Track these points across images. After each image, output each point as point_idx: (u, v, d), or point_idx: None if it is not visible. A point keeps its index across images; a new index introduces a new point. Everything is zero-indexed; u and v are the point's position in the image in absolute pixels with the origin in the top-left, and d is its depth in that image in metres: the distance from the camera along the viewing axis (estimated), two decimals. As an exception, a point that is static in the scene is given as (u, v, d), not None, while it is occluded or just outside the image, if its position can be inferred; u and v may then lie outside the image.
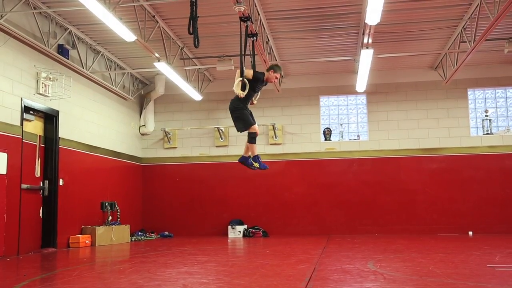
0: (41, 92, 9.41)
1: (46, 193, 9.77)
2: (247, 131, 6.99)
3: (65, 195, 10.15)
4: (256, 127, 7.00)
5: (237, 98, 6.83)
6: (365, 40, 9.41)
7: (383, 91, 13.60)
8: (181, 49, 11.32)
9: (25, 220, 8.92)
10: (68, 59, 10.14)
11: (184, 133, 14.25)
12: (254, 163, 7.14)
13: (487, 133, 13.09)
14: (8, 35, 8.57)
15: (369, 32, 8.99)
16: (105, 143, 12.11)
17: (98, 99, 11.85)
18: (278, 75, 7.02)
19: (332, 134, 13.76)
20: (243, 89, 6.66)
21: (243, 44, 6.98)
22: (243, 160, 7.21)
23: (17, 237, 8.58)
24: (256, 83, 6.84)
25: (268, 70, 7.00)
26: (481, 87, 13.39)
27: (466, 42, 10.26)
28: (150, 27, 9.70)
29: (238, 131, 7.09)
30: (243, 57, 6.90)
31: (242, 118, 6.94)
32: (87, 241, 10.39)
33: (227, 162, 13.82)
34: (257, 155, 7.17)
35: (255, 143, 7.07)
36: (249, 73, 6.76)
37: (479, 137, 13.13)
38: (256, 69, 7.00)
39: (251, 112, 7.01)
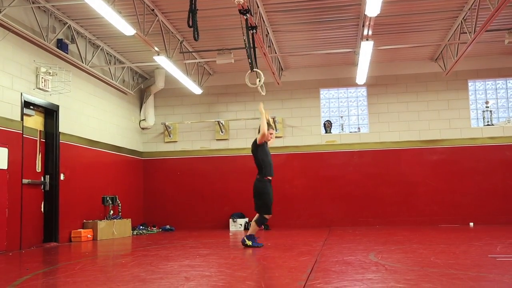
0: (41, 87, 9.40)
1: (47, 187, 9.78)
2: (261, 215, 7.42)
3: (66, 189, 10.16)
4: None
5: (263, 176, 7.33)
6: (365, 32, 9.37)
7: (383, 83, 13.57)
8: (181, 43, 11.28)
9: (27, 215, 8.94)
10: (67, 53, 10.12)
11: (185, 127, 14.25)
12: (247, 240, 7.55)
13: (488, 124, 13.08)
14: (7, 30, 8.55)
15: (369, 24, 8.96)
16: (105, 137, 12.11)
17: (98, 93, 11.84)
18: (272, 131, 7.75)
19: (332, 127, 13.75)
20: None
21: (245, 38, 6.97)
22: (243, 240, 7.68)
23: (19, 232, 8.61)
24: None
25: None
26: (481, 78, 13.36)
27: (466, 33, 10.22)
28: (149, 20, 9.67)
29: (256, 210, 7.45)
30: (251, 50, 6.92)
31: (268, 203, 7.40)
32: (88, 235, 10.41)
33: (228, 156, 13.83)
34: (254, 235, 7.59)
35: (260, 227, 7.58)
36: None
37: (479, 129, 13.12)
38: (256, 66, 7.03)
39: None
